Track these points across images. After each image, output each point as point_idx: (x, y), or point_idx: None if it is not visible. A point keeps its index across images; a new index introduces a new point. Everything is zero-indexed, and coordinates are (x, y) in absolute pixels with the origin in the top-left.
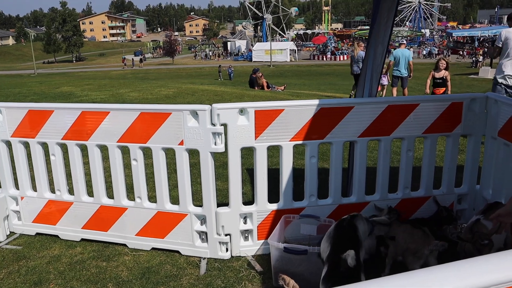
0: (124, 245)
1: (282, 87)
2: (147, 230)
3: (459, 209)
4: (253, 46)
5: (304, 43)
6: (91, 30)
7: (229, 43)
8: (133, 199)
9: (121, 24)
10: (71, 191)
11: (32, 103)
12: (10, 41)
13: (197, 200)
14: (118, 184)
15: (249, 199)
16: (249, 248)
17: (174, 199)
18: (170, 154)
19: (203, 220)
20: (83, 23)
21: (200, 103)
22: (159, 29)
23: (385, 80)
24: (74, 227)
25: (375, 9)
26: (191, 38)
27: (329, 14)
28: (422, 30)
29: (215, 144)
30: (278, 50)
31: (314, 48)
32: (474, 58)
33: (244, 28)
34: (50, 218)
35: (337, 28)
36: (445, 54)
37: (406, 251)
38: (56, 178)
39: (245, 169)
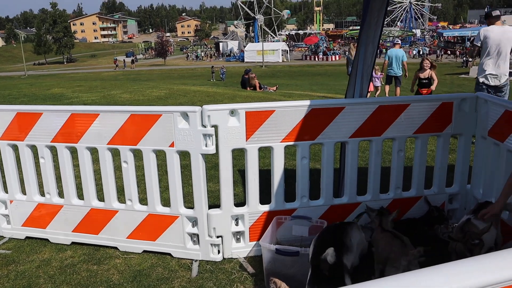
0: (115, 248)
1: (274, 88)
2: (138, 233)
3: (450, 209)
4: (245, 47)
5: (296, 43)
6: (82, 31)
7: (221, 44)
8: (124, 202)
9: (112, 25)
10: (61, 194)
11: (21, 106)
12: (0, 43)
13: (189, 202)
14: (108, 187)
15: (241, 201)
16: (241, 250)
17: (166, 201)
18: (161, 155)
19: (194, 222)
20: (74, 24)
21: (192, 104)
22: (150, 30)
23: (378, 82)
24: (65, 230)
25: (365, 10)
26: (183, 39)
27: (321, 14)
28: (413, 30)
29: (206, 146)
30: (270, 51)
31: (306, 48)
32: (464, 58)
33: (236, 27)
34: (40, 221)
35: (329, 29)
36: (438, 54)
37: (385, 260)
38: (45, 181)
39: (236, 171)
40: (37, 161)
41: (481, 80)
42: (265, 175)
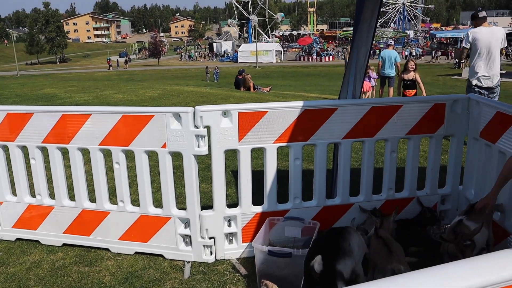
0: (107, 249)
1: (268, 88)
2: (130, 234)
3: (443, 210)
4: (238, 47)
5: (289, 44)
6: (75, 31)
7: (214, 44)
8: (116, 203)
9: (106, 25)
10: (52, 195)
11: (11, 106)
12: None
13: (182, 203)
14: (100, 188)
15: (234, 201)
16: (234, 251)
17: (158, 202)
18: (154, 156)
19: (187, 223)
20: (66, 24)
21: (186, 105)
22: (144, 30)
23: (373, 82)
24: (56, 232)
25: (358, 11)
26: (177, 39)
27: (315, 15)
28: (406, 31)
29: (199, 147)
30: (264, 51)
31: (300, 49)
32: (456, 60)
33: (230, 26)
34: (31, 223)
35: (323, 30)
36: (433, 55)
37: (374, 266)
38: (36, 182)
39: (229, 171)
40: (28, 162)
41: (474, 82)
42: (258, 176)
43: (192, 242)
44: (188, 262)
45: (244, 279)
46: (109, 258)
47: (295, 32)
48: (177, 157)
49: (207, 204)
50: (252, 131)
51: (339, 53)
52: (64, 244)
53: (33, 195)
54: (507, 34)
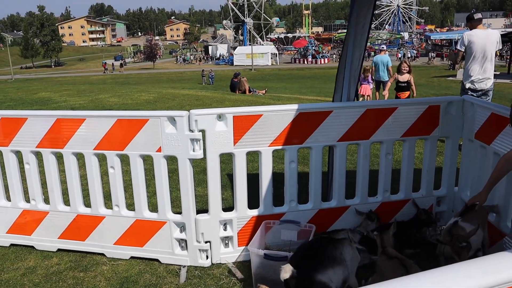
0: (102, 254)
1: (263, 91)
2: (125, 239)
3: (438, 211)
4: (233, 49)
5: (285, 46)
6: (70, 34)
7: (210, 47)
8: (111, 208)
9: (101, 28)
10: (46, 201)
11: (5, 111)
12: None
13: (177, 207)
14: (95, 193)
15: (229, 205)
16: (230, 255)
17: (153, 206)
18: (149, 160)
19: (182, 227)
20: (61, 28)
21: (181, 108)
22: (139, 34)
23: (371, 85)
24: (50, 237)
25: (352, 14)
26: (172, 43)
27: (310, 17)
28: (401, 33)
29: (194, 151)
30: (259, 54)
31: (295, 51)
32: (450, 62)
33: (225, 27)
34: (25, 228)
35: (318, 32)
36: (430, 56)
37: None
38: (31, 187)
39: (225, 175)
40: (22, 166)
41: (467, 86)
42: (253, 179)
43: (188, 246)
44: (184, 266)
45: (240, 283)
46: (104, 263)
47: (290, 35)
48: (172, 161)
49: (202, 208)
50: (247, 135)
51: (334, 55)
52: (59, 250)
53: (27, 200)
54: (501, 36)
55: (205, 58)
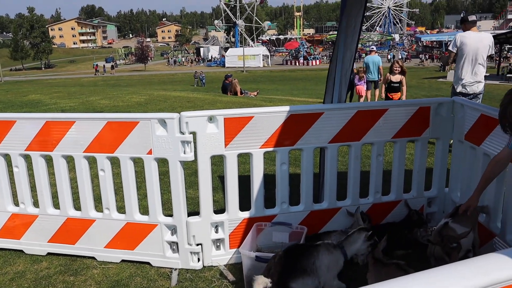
0: (93, 258)
1: (255, 93)
2: (116, 242)
3: (429, 212)
4: (225, 50)
5: (276, 48)
6: (60, 36)
7: (201, 49)
8: (101, 211)
9: (92, 30)
10: (36, 204)
11: None
12: None
13: (169, 209)
14: (85, 196)
15: (221, 207)
16: (221, 257)
17: (144, 209)
18: (140, 162)
19: (173, 230)
20: (52, 29)
21: (172, 110)
22: (130, 35)
23: (365, 85)
24: (40, 241)
25: (342, 15)
26: (164, 44)
27: (301, 19)
28: (392, 35)
29: (184, 153)
30: (251, 56)
31: (287, 53)
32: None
33: (216, 27)
34: (14, 232)
35: (309, 33)
36: (422, 58)
37: None
38: (20, 191)
39: (216, 177)
40: (10, 170)
41: (458, 89)
42: (245, 181)
43: (179, 249)
44: (175, 269)
45: (232, 285)
46: (95, 266)
47: (282, 37)
48: (163, 163)
49: (194, 210)
50: (238, 137)
51: (325, 57)
52: (49, 253)
53: (16, 203)
54: None
55: (196, 60)
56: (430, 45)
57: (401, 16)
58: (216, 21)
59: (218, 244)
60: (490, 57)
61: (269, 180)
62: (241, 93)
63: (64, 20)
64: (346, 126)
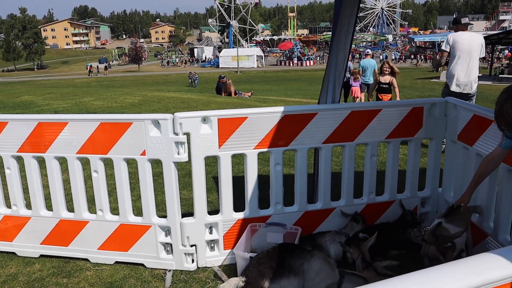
0: (86, 259)
1: (249, 94)
2: (110, 244)
3: (423, 212)
4: (219, 50)
5: (270, 49)
6: (53, 37)
7: (195, 50)
8: (95, 212)
9: (85, 31)
10: (28, 206)
11: None
12: None
13: (163, 210)
14: (78, 197)
15: (215, 208)
16: (216, 258)
17: (138, 210)
18: (133, 164)
19: (167, 231)
20: (44, 30)
21: (166, 111)
22: (124, 36)
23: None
24: (32, 243)
25: (336, 16)
26: (158, 45)
27: (295, 20)
28: (385, 35)
29: (178, 154)
30: (245, 56)
31: (281, 54)
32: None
33: (211, 31)
34: (6, 234)
35: (303, 34)
36: (418, 59)
37: None
38: (12, 192)
39: (210, 178)
40: (2, 171)
41: (452, 88)
42: (239, 182)
43: (173, 250)
44: (170, 270)
45: None
46: (88, 268)
47: (276, 37)
48: (157, 164)
49: (188, 211)
50: (232, 137)
51: (319, 57)
52: (42, 256)
53: (8, 205)
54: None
55: (190, 60)
56: (423, 46)
57: (394, 17)
58: (210, 20)
59: (212, 245)
60: (483, 58)
61: (263, 181)
62: (235, 94)
63: (56, 20)
64: (340, 126)
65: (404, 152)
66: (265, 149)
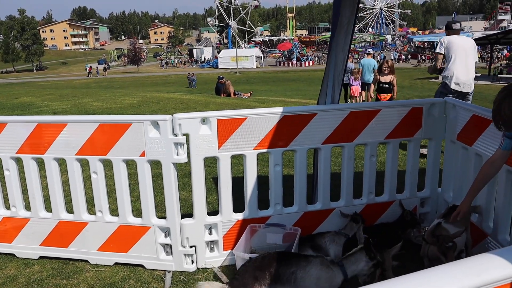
0: (86, 261)
1: (248, 94)
2: (109, 245)
3: (422, 213)
4: (218, 51)
5: (269, 49)
6: (52, 38)
7: (194, 51)
8: (94, 213)
9: (84, 32)
10: (27, 207)
11: None
12: None
13: (162, 211)
14: (77, 198)
15: (214, 209)
16: (215, 259)
17: (138, 211)
18: (133, 164)
19: (167, 232)
20: (43, 31)
21: (165, 112)
22: (123, 37)
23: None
24: (32, 244)
25: (335, 17)
26: (156, 46)
27: (294, 20)
28: (384, 35)
29: (178, 155)
30: (244, 57)
31: (280, 54)
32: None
33: (210, 31)
34: (5, 236)
35: (302, 35)
36: (419, 59)
37: None
38: (11, 194)
39: (210, 178)
40: (1, 173)
41: (452, 87)
42: (238, 183)
43: (172, 251)
44: (169, 271)
45: None
46: (87, 270)
47: (275, 38)
48: (156, 165)
49: (187, 212)
50: (231, 138)
51: (317, 58)
52: (41, 257)
53: (7, 207)
54: (481, 38)
55: (189, 61)
56: (422, 46)
57: (393, 17)
58: (209, 19)
59: (212, 246)
60: (481, 58)
61: (262, 182)
62: (235, 95)
63: (55, 22)
64: (339, 127)
65: (404, 152)
66: (265, 150)
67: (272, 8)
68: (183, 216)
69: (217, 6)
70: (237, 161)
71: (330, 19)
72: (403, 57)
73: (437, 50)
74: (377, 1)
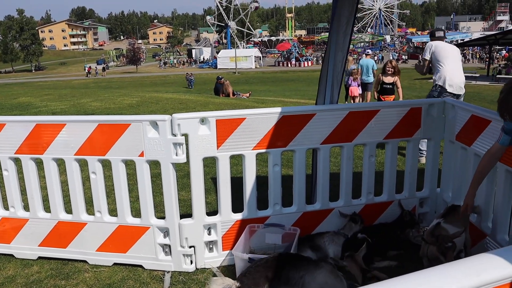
0: (84, 261)
1: (247, 94)
2: (108, 245)
3: (421, 213)
4: (217, 50)
5: (268, 49)
6: (50, 38)
7: (193, 51)
8: (93, 214)
9: (82, 32)
10: (26, 208)
11: None
12: None
13: (161, 211)
14: (76, 199)
15: (213, 209)
16: (214, 259)
17: (137, 212)
18: (132, 165)
19: (166, 232)
20: (42, 32)
21: (164, 112)
22: (122, 37)
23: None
24: (30, 245)
25: (334, 17)
26: (155, 46)
27: (293, 21)
28: (383, 36)
29: (176, 155)
30: (243, 57)
31: (279, 54)
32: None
33: (209, 32)
34: (4, 236)
35: (301, 35)
36: (420, 60)
37: None
38: (9, 194)
39: (209, 179)
40: (0, 173)
41: (447, 87)
42: (237, 183)
43: (171, 251)
44: (168, 272)
45: None
46: (86, 270)
47: (273, 38)
48: (155, 165)
49: (186, 212)
50: (230, 138)
51: (315, 58)
52: (40, 258)
53: (6, 207)
54: (480, 39)
55: (188, 61)
56: (421, 46)
57: (392, 18)
58: (208, 17)
59: (211, 246)
60: (480, 58)
61: (261, 182)
62: (234, 95)
63: (54, 22)
64: (338, 127)
65: (403, 152)
66: (264, 150)
67: (271, 8)
68: (182, 216)
69: (217, 5)
70: (236, 161)
71: (329, 19)
72: (403, 57)
73: (425, 57)
74: (376, 1)
